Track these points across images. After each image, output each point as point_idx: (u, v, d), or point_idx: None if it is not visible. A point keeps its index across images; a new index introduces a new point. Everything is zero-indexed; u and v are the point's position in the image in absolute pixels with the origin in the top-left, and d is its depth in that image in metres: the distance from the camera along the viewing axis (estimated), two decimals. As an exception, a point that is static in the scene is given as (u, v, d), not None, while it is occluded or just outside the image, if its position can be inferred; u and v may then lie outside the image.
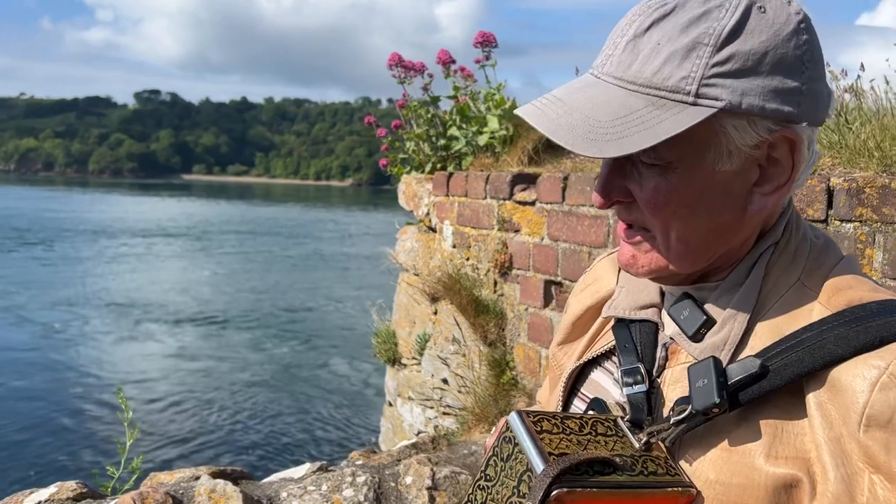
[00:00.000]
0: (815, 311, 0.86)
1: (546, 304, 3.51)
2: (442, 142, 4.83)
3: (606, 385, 1.03)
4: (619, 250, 0.96)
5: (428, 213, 4.58)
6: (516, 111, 0.89)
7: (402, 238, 4.88)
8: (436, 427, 4.29)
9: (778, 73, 0.82)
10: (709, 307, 0.91)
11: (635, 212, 0.89)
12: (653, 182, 0.85)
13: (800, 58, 0.83)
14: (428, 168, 4.88)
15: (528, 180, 3.67)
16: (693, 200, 0.86)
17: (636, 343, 0.98)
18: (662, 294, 1.00)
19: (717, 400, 0.81)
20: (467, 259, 4.12)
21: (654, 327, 0.98)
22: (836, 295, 0.87)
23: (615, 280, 1.10)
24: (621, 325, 1.01)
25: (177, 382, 12.19)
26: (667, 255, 0.89)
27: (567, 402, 1.08)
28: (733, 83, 0.81)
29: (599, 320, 1.11)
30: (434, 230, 4.53)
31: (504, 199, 3.76)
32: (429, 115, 5.00)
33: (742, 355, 0.87)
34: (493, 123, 4.63)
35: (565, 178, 3.35)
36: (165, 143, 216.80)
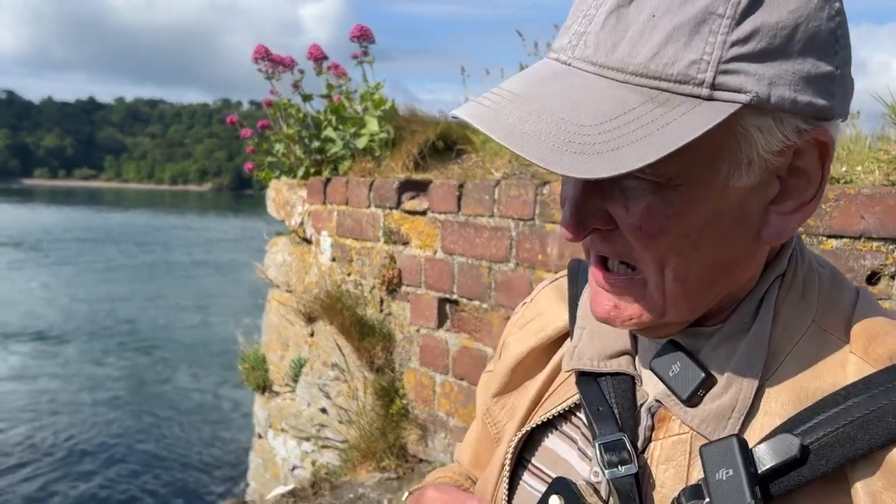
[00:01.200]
0: (850, 366, 0.70)
1: (440, 324, 3.15)
2: (316, 144, 4.40)
3: (568, 456, 0.84)
4: (592, 298, 0.76)
5: (302, 223, 4.13)
6: (454, 113, 0.67)
7: (273, 251, 4.40)
8: (314, 463, 3.84)
9: (810, 53, 0.65)
10: (706, 360, 0.74)
11: (617, 243, 0.71)
12: (644, 203, 0.67)
13: (833, 33, 0.67)
14: (301, 173, 4.43)
15: (417, 188, 3.31)
16: (698, 227, 0.68)
17: (611, 404, 0.79)
18: (635, 337, 0.82)
19: (751, 502, 0.65)
20: (349, 274, 3.71)
21: (631, 382, 0.80)
22: (874, 344, 0.71)
23: (564, 314, 0.91)
24: (587, 377, 0.82)
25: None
26: (660, 301, 0.71)
27: (513, 477, 0.88)
28: (759, 68, 0.63)
29: (550, 367, 0.91)
30: (309, 242, 4.09)
31: (391, 208, 3.38)
32: (300, 115, 4.54)
33: (757, 425, 0.70)
34: (373, 125, 4.25)
35: (461, 186, 3.02)
36: (0, 144, 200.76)
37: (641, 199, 0.67)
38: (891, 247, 2.23)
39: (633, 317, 0.73)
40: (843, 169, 2.65)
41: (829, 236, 2.27)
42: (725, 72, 0.62)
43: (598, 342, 0.83)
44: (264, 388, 4.33)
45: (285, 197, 4.29)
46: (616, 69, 0.64)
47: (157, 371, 13.23)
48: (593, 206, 0.69)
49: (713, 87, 0.63)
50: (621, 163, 0.60)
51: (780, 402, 0.70)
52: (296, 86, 4.69)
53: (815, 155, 0.69)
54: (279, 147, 4.61)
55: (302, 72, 4.74)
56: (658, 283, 0.71)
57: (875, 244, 2.25)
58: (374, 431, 3.28)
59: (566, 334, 0.91)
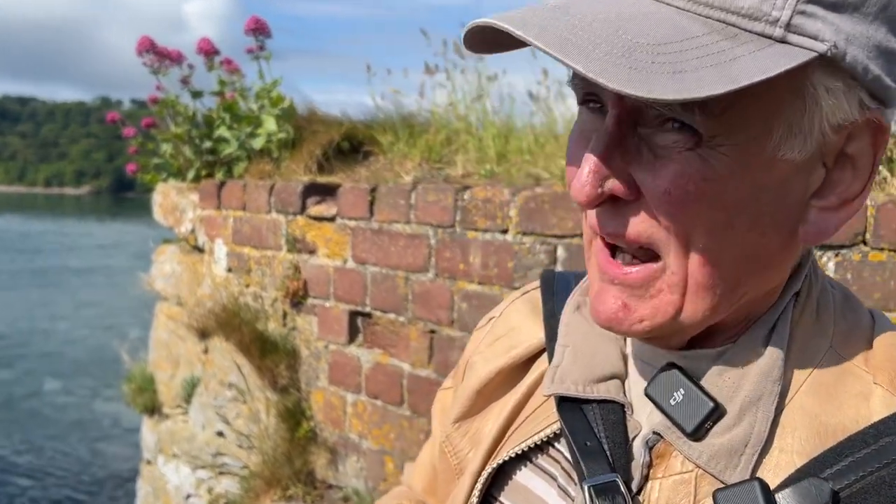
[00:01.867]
0: (875, 399, 0.64)
1: (352, 339, 2.93)
2: (208, 144, 4.07)
3: (545, 495, 0.76)
4: (595, 298, 0.67)
5: (193, 230, 3.80)
6: (480, 22, 0.58)
7: (160, 260, 4.04)
8: (211, 491, 3.52)
9: (884, 21, 0.59)
10: (711, 386, 0.66)
11: (633, 219, 0.62)
12: (678, 162, 0.59)
13: None
14: (191, 175, 4.09)
15: (324, 192, 3.07)
16: (736, 201, 0.60)
17: (600, 438, 0.70)
18: (624, 358, 0.75)
19: None
20: (247, 286, 3.42)
21: (621, 411, 0.72)
22: (885, 363, 0.65)
23: (539, 330, 0.83)
24: (570, 404, 0.74)
25: None
26: (679, 295, 0.63)
27: None
28: (836, 19, 0.57)
29: (522, 389, 0.82)
30: (202, 250, 3.76)
31: (295, 214, 3.13)
32: (190, 113, 4.20)
33: (771, 462, 0.63)
34: (270, 124, 3.97)
35: (373, 191, 2.80)
36: None
37: (675, 159, 0.59)
38: (821, 253, 2.17)
39: (644, 318, 0.64)
40: None
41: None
42: (803, 13, 0.56)
43: (584, 363, 0.74)
44: (153, 410, 3.96)
45: (174, 201, 3.94)
46: None
47: (24, 384, 12.26)
48: (616, 165, 0.60)
49: (788, 27, 0.56)
50: (685, 88, 0.52)
51: (798, 438, 0.63)
52: (185, 81, 4.33)
53: (869, 142, 0.62)
54: (166, 147, 4.25)
55: (191, 67, 4.40)
56: (680, 268, 0.62)
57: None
58: (279, 456, 3.02)
59: (540, 352, 0.83)
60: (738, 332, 0.68)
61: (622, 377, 0.74)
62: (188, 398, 3.70)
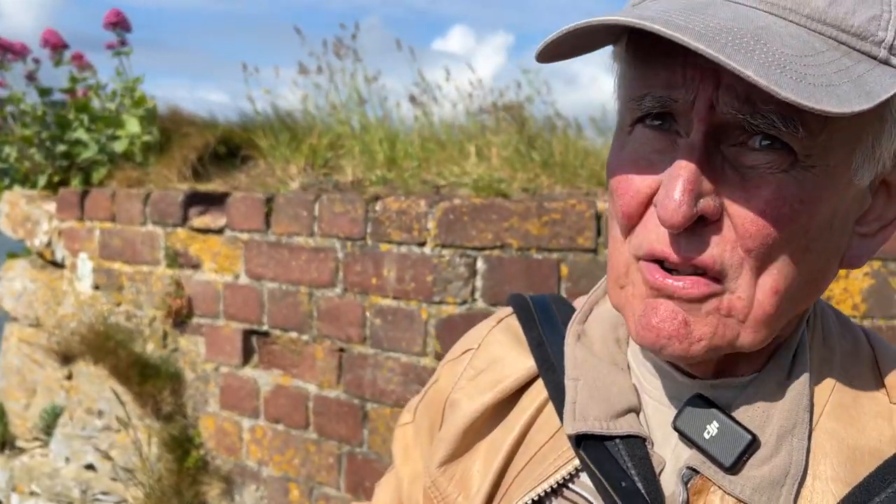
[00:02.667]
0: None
1: (246, 360, 2.74)
2: (62, 148, 3.68)
3: None
4: (643, 315, 0.63)
5: (50, 244, 3.43)
6: (609, 20, 0.55)
7: (8, 276, 3.61)
8: (80, 531, 3.19)
9: None
10: (743, 417, 0.65)
11: (713, 240, 0.59)
12: (773, 183, 0.58)
13: None
14: (42, 182, 3.69)
15: (208, 201, 2.85)
16: (819, 224, 0.60)
17: (632, 476, 0.67)
18: (635, 389, 0.73)
19: None
20: (118, 304, 3.12)
21: (643, 445, 0.69)
22: None
23: (526, 360, 0.79)
24: (592, 441, 0.70)
25: None
26: (742, 318, 0.61)
27: None
28: None
29: (518, 426, 0.77)
30: (61, 266, 3.40)
31: (175, 226, 2.88)
32: (39, 113, 3.79)
33: (807, 492, 0.63)
34: (133, 126, 3.66)
35: (270, 200, 2.63)
36: None
37: (770, 180, 0.57)
38: None
39: (703, 338, 0.61)
40: None
41: None
42: None
43: (602, 397, 0.71)
44: (4, 444, 3.54)
45: (24, 212, 3.54)
46: (790, 8, 0.57)
47: None
48: (707, 185, 0.58)
49: (892, 49, 0.57)
50: (842, 101, 0.52)
51: (830, 464, 0.63)
52: (30, 77, 3.91)
53: None
54: (10, 151, 3.81)
55: (37, 61, 3.97)
56: (748, 294, 0.60)
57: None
58: (166, 489, 2.77)
59: (528, 384, 0.79)
60: (763, 358, 0.67)
61: (638, 410, 0.71)
62: (48, 429, 3.33)
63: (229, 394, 2.77)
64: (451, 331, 2.22)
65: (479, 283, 2.22)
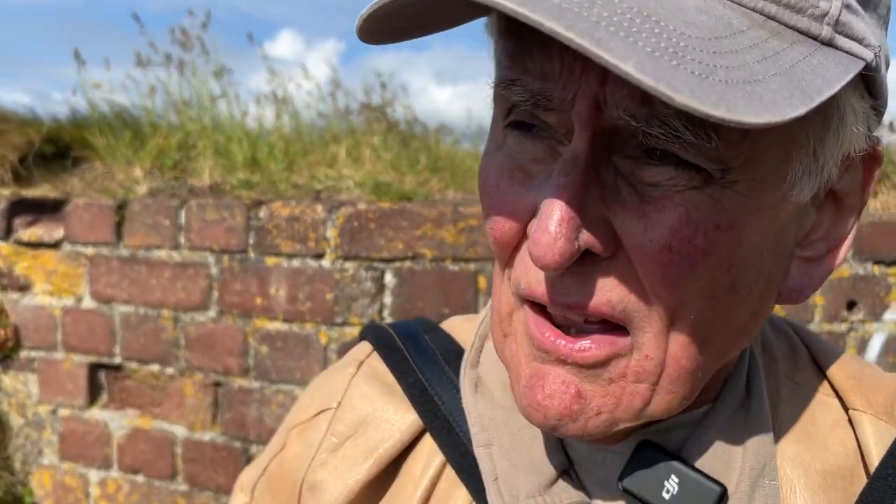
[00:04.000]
0: (863, 428, 0.57)
1: (93, 400, 2.27)
2: None
3: None
4: (526, 386, 0.50)
5: None
6: (496, 2, 0.38)
7: None
8: None
9: (886, 24, 0.51)
10: (702, 463, 0.54)
11: (603, 281, 0.47)
12: (681, 209, 0.44)
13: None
14: None
15: (39, 209, 2.35)
16: (745, 255, 0.47)
17: None
18: (558, 442, 0.59)
19: None
20: (-82, 337, 2.52)
21: None
22: (877, 395, 0.59)
23: (406, 413, 0.64)
24: None
25: None
26: (653, 381, 0.49)
27: None
28: (869, 20, 0.47)
29: (416, 498, 0.62)
30: None
31: (-5, 240, 2.36)
32: None
33: None
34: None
35: (121, 207, 2.19)
36: None
37: (677, 202, 0.44)
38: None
39: (602, 410, 0.50)
40: None
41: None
42: (849, 7, 0.45)
43: (527, 465, 0.57)
44: None
45: None
46: None
47: None
48: (592, 210, 0.45)
49: (836, 25, 0.44)
50: (766, 106, 0.38)
51: (804, 498, 0.55)
52: None
53: (859, 176, 0.52)
54: None
55: None
56: (657, 351, 0.48)
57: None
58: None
59: (413, 442, 0.64)
60: (717, 387, 0.57)
61: (568, 467, 0.58)
62: None
63: (72, 441, 2.29)
64: (357, 356, 1.92)
65: (387, 299, 1.92)
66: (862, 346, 2.38)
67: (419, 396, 0.64)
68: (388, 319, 1.93)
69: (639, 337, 0.48)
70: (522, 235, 0.49)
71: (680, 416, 0.56)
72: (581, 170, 0.45)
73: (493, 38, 0.51)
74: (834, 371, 0.62)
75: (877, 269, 2.36)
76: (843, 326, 2.35)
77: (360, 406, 0.65)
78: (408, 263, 1.92)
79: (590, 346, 0.48)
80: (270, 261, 1.99)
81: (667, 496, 0.54)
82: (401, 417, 0.64)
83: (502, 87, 0.48)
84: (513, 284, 0.51)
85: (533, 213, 0.47)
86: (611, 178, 0.46)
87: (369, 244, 1.91)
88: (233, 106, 3.61)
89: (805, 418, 0.59)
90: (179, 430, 2.14)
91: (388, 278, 1.92)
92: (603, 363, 0.48)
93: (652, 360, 0.48)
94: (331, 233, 1.92)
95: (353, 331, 1.92)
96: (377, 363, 0.68)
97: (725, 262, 0.46)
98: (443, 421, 0.62)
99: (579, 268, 0.46)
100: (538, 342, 0.49)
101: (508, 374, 0.54)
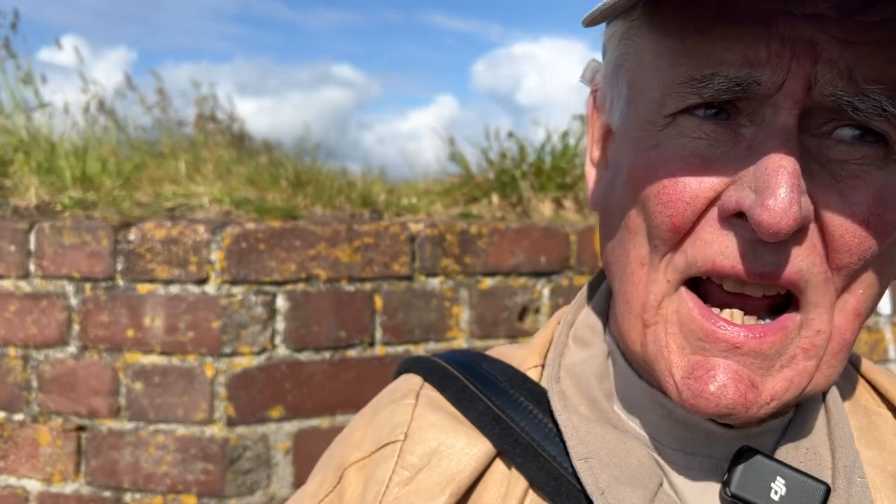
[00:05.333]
0: None
1: (-85, 459, 1.93)
2: None
3: None
4: (693, 374, 0.51)
5: None
6: None
7: None
8: None
9: None
10: (797, 464, 0.57)
11: (796, 251, 0.49)
12: (874, 187, 0.49)
13: None
14: None
15: None
16: None
17: None
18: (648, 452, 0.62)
19: None
20: None
21: None
22: None
23: (475, 439, 0.62)
24: None
25: None
26: (819, 356, 0.51)
27: None
28: None
29: None
30: None
31: None
32: None
33: None
34: None
35: (-50, 231, 1.89)
36: None
37: (868, 180, 0.49)
38: (535, 281, 2.16)
39: (776, 396, 0.51)
40: (414, 200, 2.51)
41: (486, 274, 2.08)
42: None
43: (629, 477, 0.57)
44: None
45: None
46: None
47: None
48: (803, 183, 0.48)
49: None
50: None
51: (888, 498, 0.57)
52: None
53: None
54: None
55: None
56: (828, 324, 0.51)
57: (523, 279, 2.15)
58: None
59: (487, 467, 0.63)
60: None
61: (662, 481, 0.58)
62: None
63: None
64: (248, 388, 1.77)
65: (280, 325, 1.80)
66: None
67: (493, 424, 0.62)
68: (280, 348, 1.81)
69: (810, 311, 0.50)
70: (699, 218, 0.51)
71: (769, 422, 0.58)
72: (795, 142, 0.47)
73: (630, 41, 0.55)
74: (878, 380, 0.65)
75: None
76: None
77: (430, 436, 0.63)
78: (301, 286, 1.81)
79: (763, 335, 0.50)
80: (143, 288, 1.80)
81: (776, 497, 0.55)
82: (473, 446, 0.62)
83: (692, 85, 0.49)
84: (679, 267, 0.52)
85: (717, 195, 0.50)
86: (806, 156, 0.49)
87: (259, 266, 1.78)
88: (56, 117, 3.28)
89: (868, 427, 0.62)
90: (33, 485, 1.87)
91: (281, 302, 1.80)
92: (778, 350, 0.50)
93: (822, 335, 0.51)
94: (215, 255, 1.77)
95: (244, 361, 1.78)
96: (433, 393, 0.66)
97: (895, 237, 0.51)
98: (525, 446, 0.60)
99: (774, 244, 0.49)
100: (705, 332, 0.50)
101: (650, 365, 0.55)
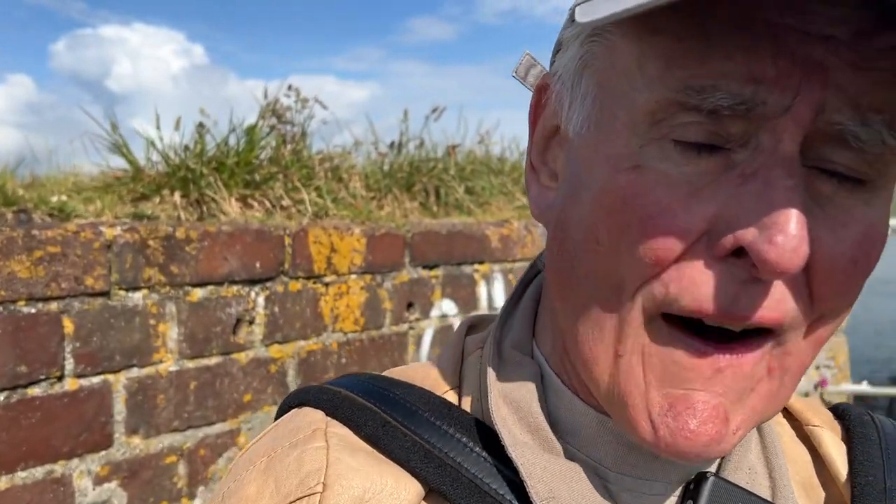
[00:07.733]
0: (828, 441, 0.62)
1: None
2: None
3: None
4: (672, 411, 0.48)
5: None
6: None
7: None
8: None
9: None
10: (743, 482, 0.57)
11: (785, 292, 0.47)
12: (861, 224, 0.47)
13: None
14: None
15: None
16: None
17: None
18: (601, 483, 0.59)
19: None
20: None
21: None
22: (822, 413, 0.65)
23: (403, 480, 0.55)
24: None
25: None
26: (781, 379, 0.50)
27: None
28: None
29: None
30: None
31: None
32: None
33: None
34: None
35: None
36: None
37: (856, 216, 0.46)
38: (249, 289, 1.98)
39: (742, 426, 0.48)
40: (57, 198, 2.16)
41: (195, 285, 1.85)
42: None
43: None
44: None
45: None
46: None
47: None
48: (807, 220, 0.45)
49: None
50: None
51: None
52: None
53: None
54: None
55: None
56: (798, 350, 0.49)
57: (237, 288, 1.95)
58: None
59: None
60: None
61: None
62: None
63: None
64: None
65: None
66: (418, 342, 2.59)
67: (424, 461, 0.54)
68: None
69: (783, 339, 0.48)
70: (685, 252, 0.45)
71: None
72: (799, 172, 0.44)
73: (633, 42, 0.47)
74: None
75: (425, 273, 2.60)
76: (405, 326, 2.53)
77: (354, 483, 0.53)
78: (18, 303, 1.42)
79: (742, 353, 0.47)
80: None
81: None
82: (404, 488, 0.53)
83: (691, 94, 0.43)
84: (655, 301, 0.47)
85: (708, 225, 0.45)
86: (802, 192, 0.44)
87: None
88: None
89: (769, 433, 0.61)
90: None
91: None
92: (751, 371, 0.47)
93: (791, 357, 0.48)
94: None
95: None
96: (343, 430, 0.56)
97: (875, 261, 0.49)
98: (468, 485, 0.53)
99: (770, 283, 0.45)
100: (678, 361, 0.46)
101: (614, 403, 0.50)
